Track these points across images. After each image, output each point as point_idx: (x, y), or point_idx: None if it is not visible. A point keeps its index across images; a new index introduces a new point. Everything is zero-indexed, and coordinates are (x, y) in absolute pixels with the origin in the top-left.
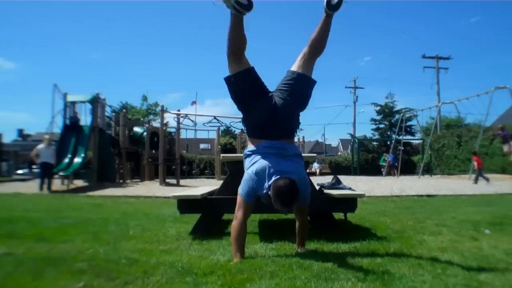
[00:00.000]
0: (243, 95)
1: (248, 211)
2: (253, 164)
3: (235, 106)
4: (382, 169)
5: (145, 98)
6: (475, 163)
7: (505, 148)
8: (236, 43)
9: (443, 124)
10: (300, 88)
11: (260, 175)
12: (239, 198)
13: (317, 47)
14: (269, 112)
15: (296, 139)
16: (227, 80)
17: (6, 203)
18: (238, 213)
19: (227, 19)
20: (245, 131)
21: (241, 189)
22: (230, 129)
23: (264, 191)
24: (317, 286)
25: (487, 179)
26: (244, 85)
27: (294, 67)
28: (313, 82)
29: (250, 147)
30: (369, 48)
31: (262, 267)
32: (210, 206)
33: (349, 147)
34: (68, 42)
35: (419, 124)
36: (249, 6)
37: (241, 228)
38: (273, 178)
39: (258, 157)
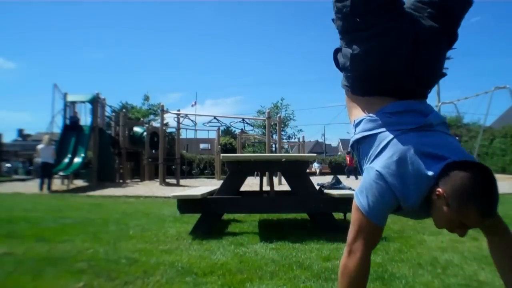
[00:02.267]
0: (366, 7)
1: (375, 240)
2: (382, 153)
3: (235, 107)
4: None
5: (147, 98)
6: (347, 160)
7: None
8: None
9: None
10: (451, 4)
11: (403, 169)
12: (358, 217)
13: None
14: (409, 47)
15: (295, 140)
16: None
17: (6, 203)
18: (357, 244)
19: (227, 19)
20: (348, 83)
21: (364, 201)
22: (230, 129)
23: (418, 196)
24: (317, 286)
25: (356, 176)
26: None
27: None
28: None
29: (363, 118)
30: None
31: (262, 267)
32: (210, 206)
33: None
34: (68, 42)
35: None
36: None
37: (361, 269)
38: (435, 168)
39: (389, 137)
